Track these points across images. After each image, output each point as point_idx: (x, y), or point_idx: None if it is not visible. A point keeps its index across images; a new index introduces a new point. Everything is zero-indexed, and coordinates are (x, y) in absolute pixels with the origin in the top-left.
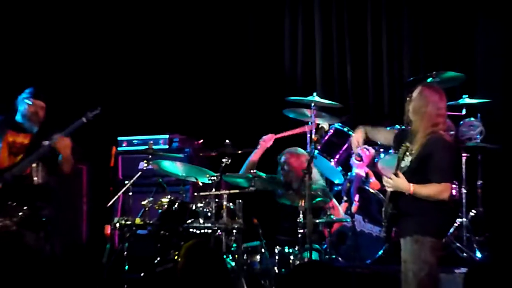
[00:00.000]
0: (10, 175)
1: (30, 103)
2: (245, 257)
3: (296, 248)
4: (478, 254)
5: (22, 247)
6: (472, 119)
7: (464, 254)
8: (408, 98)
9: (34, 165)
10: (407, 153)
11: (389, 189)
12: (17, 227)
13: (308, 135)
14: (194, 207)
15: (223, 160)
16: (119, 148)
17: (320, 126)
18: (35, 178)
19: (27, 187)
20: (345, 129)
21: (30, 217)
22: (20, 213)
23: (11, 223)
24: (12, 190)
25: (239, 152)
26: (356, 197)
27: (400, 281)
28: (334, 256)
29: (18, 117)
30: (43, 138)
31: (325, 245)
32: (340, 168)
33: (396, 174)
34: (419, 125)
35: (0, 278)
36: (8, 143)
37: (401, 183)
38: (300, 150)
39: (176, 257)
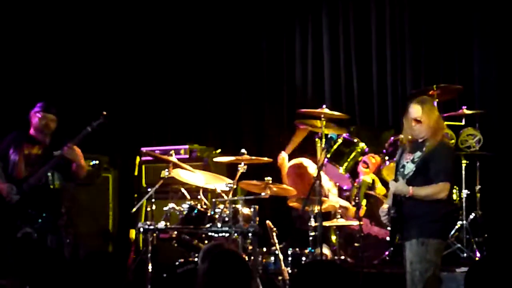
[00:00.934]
0: (27, 185)
1: (41, 117)
2: (260, 259)
3: (308, 250)
4: (478, 254)
5: (44, 252)
6: (471, 128)
7: (465, 255)
8: (410, 112)
9: (49, 174)
10: (411, 161)
11: (391, 193)
12: (38, 234)
13: (318, 145)
14: (212, 212)
15: (239, 168)
16: (142, 158)
17: (329, 136)
18: (51, 186)
19: (45, 195)
20: (353, 139)
21: (50, 222)
22: (40, 220)
23: (32, 230)
24: (31, 199)
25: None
26: (364, 202)
27: (405, 281)
28: (343, 257)
29: (32, 131)
30: (55, 148)
31: None
32: (348, 175)
33: (396, 180)
34: (430, 136)
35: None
36: (24, 156)
37: (401, 187)
38: (306, 160)
39: (195, 259)
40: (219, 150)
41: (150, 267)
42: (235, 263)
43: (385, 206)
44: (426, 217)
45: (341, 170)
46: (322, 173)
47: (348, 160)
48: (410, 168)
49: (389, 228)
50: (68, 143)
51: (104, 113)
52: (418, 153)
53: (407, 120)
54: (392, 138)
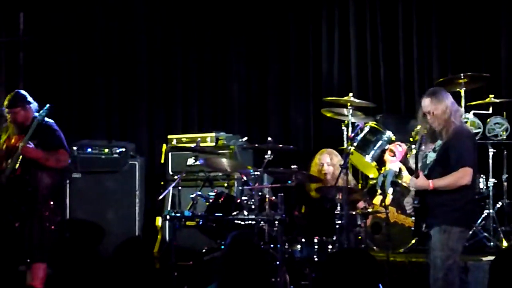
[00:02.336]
0: (4, 177)
1: (6, 112)
2: (286, 246)
3: (334, 238)
4: (504, 243)
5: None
6: (498, 117)
7: (491, 243)
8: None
9: (24, 165)
10: (432, 150)
11: (412, 189)
12: (20, 222)
13: (345, 133)
14: (238, 200)
15: (266, 156)
16: (169, 145)
17: (356, 124)
18: (26, 177)
19: (23, 185)
20: (379, 127)
21: (31, 211)
22: (22, 209)
23: (14, 219)
24: (11, 190)
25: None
26: (390, 190)
27: (429, 268)
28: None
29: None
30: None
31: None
32: (375, 163)
33: (417, 176)
34: (443, 125)
35: None
36: (6, 148)
37: (421, 182)
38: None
39: (222, 247)
40: (245, 138)
41: (176, 255)
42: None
43: (409, 199)
44: (448, 205)
45: (368, 158)
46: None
47: (375, 148)
48: (432, 157)
49: (413, 217)
50: (21, 141)
51: (49, 104)
52: (439, 142)
53: (421, 113)
54: (418, 126)
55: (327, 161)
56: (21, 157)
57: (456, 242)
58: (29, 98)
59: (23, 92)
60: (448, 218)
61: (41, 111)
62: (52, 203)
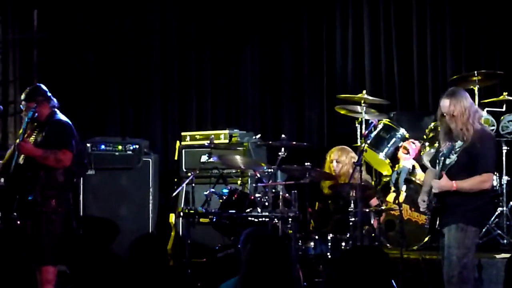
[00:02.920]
0: (10, 172)
1: (22, 107)
2: (300, 243)
3: (348, 235)
4: None
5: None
6: None
7: (505, 241)
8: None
9: (27, 162)
10: (452, 151)
11: (427, 181)
12: (21, 219)
13: (359, 131)
14: (252, 197)
15: (279, 153)
16: (183, 143)
17: (369, 121)
18: (29, 174)
19: (24, 182)
20: (393, 124)
21: (33, 207)
22: (24, 205)
23: (15, 217)
24: (14, 185)
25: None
26: (404, 188)
27: (442, 266)
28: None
29: None
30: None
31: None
32: (388, 161)
33: (440, 177)
34: (463, 126)
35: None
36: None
37: (444, 184)
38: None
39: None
40: (259, 135)
41: (189, 251)
42: (276, 247)
43: (424, 197)
44: (467, 205)
45: (381, 156)
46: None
47: (389, 145)
48: (452, 159)
49: (428, 215)
50: (18, 140)
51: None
52: (459, 143)
53: (438, 112)
54: (432, 124)
55: (335, 158)
56: (17, 157)
57: (472, 240)
58: (49, 94)
59: (43, 86)
60: (465, 217)
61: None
62: (54, 203)
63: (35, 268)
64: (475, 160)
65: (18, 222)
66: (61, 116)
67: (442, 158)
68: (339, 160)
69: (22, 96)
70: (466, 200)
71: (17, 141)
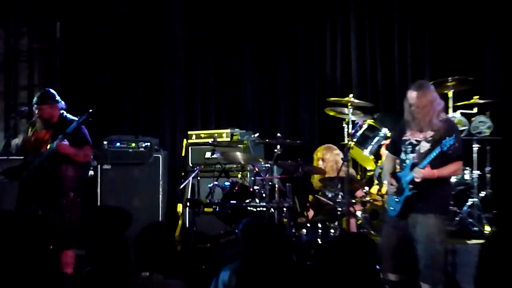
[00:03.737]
0: (32, 167)
1: (34, 109)
2: (293, 231)
3: (336, 223)
4: (487, 228)
5: (45, 228)
6: (482, 116)
7: (475, 228)
8: (408, 97)
9: (52, 158)
10: (423, 140)
11: (417, 180)
12: (43, 211)
13: (346, 130)
14: (251, 189)
15: (275, 150)
16: (189, 141)
17: (355, 122)
18: (53, 169)
19: (48, 177)
20: (376, 125)
21: (54, 201)
22: (45, 199)
23: (37, 208)
24: (37, 180)
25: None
26: (386, 181)
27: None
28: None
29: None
30: (60, 132)
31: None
32: (372, 157)
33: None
34: (426, 115)
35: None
36: (34, 139)
37: (428, 173)
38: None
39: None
40: (257, 134)
41: (195, 238)
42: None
43: (392, 180)
44: (440, 193)
45: (366, 152)
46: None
47: (372, 143)
48: (426, 146)
49: (397, 199)
50: (57, 140)
51: (90, 110)
52: (430, 132)
53: (406, 103)
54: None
55: (321, 157)
56: (49, 154)
57: (446, 227)
58: (57, 97)
59: (52, 90)
60: (441, 206)
61: (82, 116)
62: (72, 195)
63: (58, 252)
64: (451, 148)
65: (40, 213)
66: (70, 117)
67: (410, 147)
68: (324, 158)
69: (34, 100)
70: (440, 188)
71: (56, 142)
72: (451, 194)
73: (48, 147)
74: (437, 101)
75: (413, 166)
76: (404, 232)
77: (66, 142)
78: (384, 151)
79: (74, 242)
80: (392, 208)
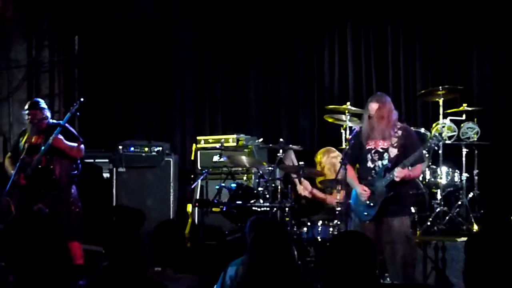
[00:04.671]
0: (30, 169)
1: (26, 114)
2: (295, 229)
3: (335, 222)
4: (475, 227)
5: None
6: (470, 122)
7: (464, 227)
8: (369, 109)
9: (48, 157)
10: (391, 146)
11: (397, 179)
12: (49, 208)
13: (344, 135)
14: (255, 191)
15: (278, 154)
16: (198, 145)
17: (352, 128)
18: (51, 167)
19: (47, 175)
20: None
21: (58, 198)
22: (49, 196)
23: (43, 206)
24: (38, 180)
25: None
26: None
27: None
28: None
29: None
30: (49, 136)
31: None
32: None
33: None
34: (387, 124)
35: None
36: (27, 145)
37: (405, 173)
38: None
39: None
40: (261, 139)
41: (203, 235)
42: (277, 232)
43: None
44: (409, 194)
45: None
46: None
47: None
48: (394, 152)
49: (372, 205)
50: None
51: (82, 99)
52: (394, 139)
53: (365, 114)
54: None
55: (318, 161)
56: (46, 150)
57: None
58: (45, 105)
59: (40, 99)
60: (409, 208)
61: (74, 105)
62: (72, 190)
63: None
64: (413, 153)
65: (47, 210)
66: (56, 121)
67: (377, 155)
68: (320, 161)
69: (27, 106)
70: (410, 189)
71: (52, 137)
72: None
73: (45, 144)
74: (394, 111)
75: (387, 170)
76: (371, 235)
77: (61, 137)
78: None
79: (80, 234)
80: (366, 213)
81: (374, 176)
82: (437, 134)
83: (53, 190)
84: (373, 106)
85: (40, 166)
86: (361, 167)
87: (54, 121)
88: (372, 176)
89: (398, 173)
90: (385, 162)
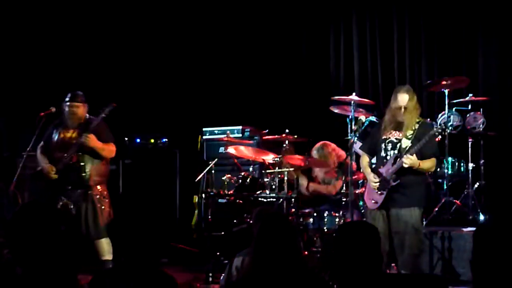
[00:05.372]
0: (61, 165)
1: (67, 106)
2: (301, 220)
3: (341, 212)
4: (481, 216)
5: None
6: (476, 112)
7: (470, 217)
8: (399, 100)
9: (80, 154)
10: (405, 138)
11: (406, 166)
12: (74, 204)
13: (349, 126)
14: (261, 181)
15: (284, 145)
16: (204, 137)
17: (358, 118)
18: (82, 164)
19: (77, 172)
20: (377, 121)
21: (83, 194)
22: (75, 193)
23: (70, 202)
24: (66, 176)
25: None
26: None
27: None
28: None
29: (64, 118)
30: (85, 131)
31: None
32: None
33: (411, 154)
34: (412, 117)
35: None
36: (60, 139)
37: (414, 161)
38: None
39: (248, 220)
40: (267, 131)
41: (209, 226)
42: (282, 223)
43: (375, 176)
44: (419, 186)
45: None
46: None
47: None
48: (406, 143)
49: (380, 193)
50: (86, 132)
51: (114, 104)
52: (410, 131)
53: (394, 104)
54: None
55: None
56: (78, 147)
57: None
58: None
59: (81, 92)
60: (421, 200)
61: (105, 108)
62: (99, 188)
63: (93, 241)
64: (429, 146)
65: (71, 206)
66: (93, 117)
67: (390, 144)
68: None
69: (70, 97)
70: (419, 180)
71: (85, 134)
72: (428, 189)
73: (79, 140)
74: (418, 104)
75: (396, 158)
76: (380, 224)
77: (94, 136)
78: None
79: (107, 231)
80: (374, 201)
81: (385, 165)
82: (442, 123)
83: (81, 187)
84: (404, 97)
85: (71, 162)
86: (374, 157)
87: (90, 116)
88: (383, 165)
89: (406, 159)
90: (397, 152)
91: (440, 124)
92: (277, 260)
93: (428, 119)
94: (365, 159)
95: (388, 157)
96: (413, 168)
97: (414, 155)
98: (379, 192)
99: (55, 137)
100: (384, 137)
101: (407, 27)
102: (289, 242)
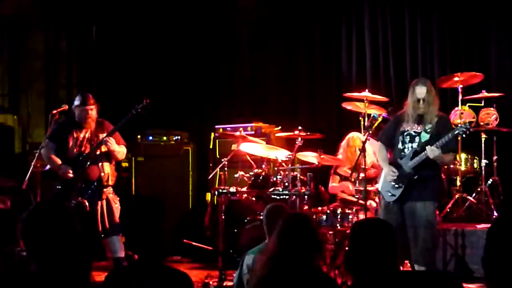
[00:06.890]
0: (80, 164)
1: (80, 110)
2: (314, 217)
3: (354, 209)
4: (495, 213)
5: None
6: (489, 108)
7: (483, 214)
8: (417, 92)
9: (98, 153)
10: (423, 131)
11: (431, 157)
12: (89, 203)
13: (362, 123)
14: (274, 179)
15: (296, 142)
16: (216, 134)
17: (371, 115)
18: (99, 164)
19: (88, 172)
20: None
21: (98, 193)
22: (89, 191)
23: (85, 201)
24: (82, 175)
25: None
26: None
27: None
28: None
29: (77, 119)
30: (100, 131)
31: None
32: None
33: (437, 147)
34: (431, 110)
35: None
36: (73, 138)
37: (437, 152)
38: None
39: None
40: (279, 127)
41: (223, 224)
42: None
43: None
44: (435, 180)
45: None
46: (368, 146)
47: None
48: (426, 137)
49: (397, 186)
50: (107, 135)
51: (147, 100)
52: (429, 125)
53: (413, 97)
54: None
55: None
56: (97, 149)
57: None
58: None
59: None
60: (436, 195)
61: (139, 105)
62: (112, 188)
63: (105, 238)
64: (447, 141)
65: (86, 204)
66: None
67: (408, 137)
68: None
69: (81, 101)
70: (434, 174)
71: (105, 138)
72: (441, 183)
73: (102, 141)
74: (437, 96)
75: (415, 153)
76: (396, 217)
77: (112, 140)
78: (374, 142)
79: (120, 228)
80: (390, 194)
81: (403, 158)
82: (467, 122)
83: (95, 186)
84: (422, 90)
85: (89, 163)
86: (392, 149)
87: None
88: (401, 158)
89: (430, 151)
90: (415, 145)
91: (465, 123)
92: (299, 262)
93: (466, 106)
94: (382, 151)
95: (406, 150)
96: (437, 161)
97: (435, 147)
98: (396, 185)
99: (70, 138)
100: (402, 129)
101: (419, 22)
102: (313, 244)
